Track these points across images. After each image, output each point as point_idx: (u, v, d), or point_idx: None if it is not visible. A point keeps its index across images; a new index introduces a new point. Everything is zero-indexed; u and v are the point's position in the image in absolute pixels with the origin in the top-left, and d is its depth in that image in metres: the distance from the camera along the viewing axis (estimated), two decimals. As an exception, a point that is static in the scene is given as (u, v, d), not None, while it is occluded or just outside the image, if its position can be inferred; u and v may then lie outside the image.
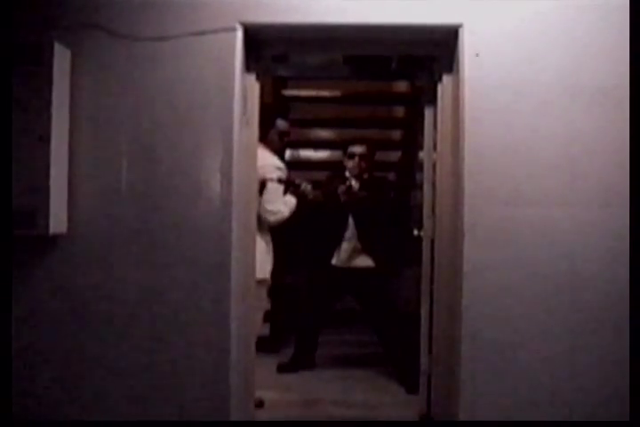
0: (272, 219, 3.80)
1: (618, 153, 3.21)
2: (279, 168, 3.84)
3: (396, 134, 6.70)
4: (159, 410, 3.32)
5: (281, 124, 4.00)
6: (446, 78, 3.52)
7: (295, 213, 3.97)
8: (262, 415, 3.70)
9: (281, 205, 3.83)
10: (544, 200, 3.28)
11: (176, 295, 3.31)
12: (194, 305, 3.31)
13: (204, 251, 3.30)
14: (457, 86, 3.41)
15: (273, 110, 4.20)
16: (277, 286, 4.61)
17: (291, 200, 3.93)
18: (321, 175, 5.01)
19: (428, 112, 3.69)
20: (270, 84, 5.61)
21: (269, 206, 3.77)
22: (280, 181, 3.80)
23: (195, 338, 3.32)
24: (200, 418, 3.30)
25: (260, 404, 3.89)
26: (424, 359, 3.67)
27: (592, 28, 3.28)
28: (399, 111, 6.65)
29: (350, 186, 4.55)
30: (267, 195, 3.76)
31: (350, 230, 4.56)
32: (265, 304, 4.09)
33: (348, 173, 4.64)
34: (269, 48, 3.57)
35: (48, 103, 3.12)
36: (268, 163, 3.80)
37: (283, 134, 4.03)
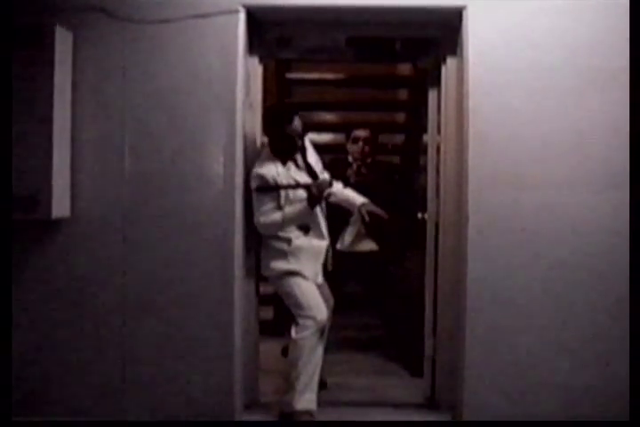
0: (260, 231, 3.48)
1: (622, 135, 3.19)
2: (258, 176, 3.38)
3: (400, 117, 6.67)
4: (163, 393, 3.34)
5: (295, 124, 3.44)
6: (450, 61, 3.51)
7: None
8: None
9: (259, 216, 3.40)
10: (548, 183, 3.27)
11: (180, 280, 3.32)
12: (198, 289, 3.32)
13: (207, 235, 3.31)
14: (461, 69, 3.40)
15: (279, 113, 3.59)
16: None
17: (288, 210, 3.41)
18: (325, 159, 4.98)
19: (431, 95, 3.67)
20: (273, 67, 5.58)
21: (254, 220, 3.44)
22: (260, 189, 3.38)
23: (199, 322, 3.33)
24: (205, 401, 3.32)
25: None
26: (428, 343, 3.68)
27: (597, 10, 3.26)
28: (403, 94, 6.61)
29: (360, 167, 4.54)
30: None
31: (355, 215, 4.54)
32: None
33: (350, 158, 4.61)
34: (272, 30, 3.57)
35: (50, 86, 3.12)
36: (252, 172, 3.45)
37: (299, 136, 3.48)
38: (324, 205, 3.62)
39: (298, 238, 3.48)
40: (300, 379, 3.39)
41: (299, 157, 3.57)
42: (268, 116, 3.57)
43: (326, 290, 3.69)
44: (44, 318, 3.34)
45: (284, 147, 3.48)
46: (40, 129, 3.13)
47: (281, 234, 3.47)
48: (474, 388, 3.32)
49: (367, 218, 3.68)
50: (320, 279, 3.61)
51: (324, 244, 3.62)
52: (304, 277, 3.48)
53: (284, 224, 3.41)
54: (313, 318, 3.40)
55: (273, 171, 3.42)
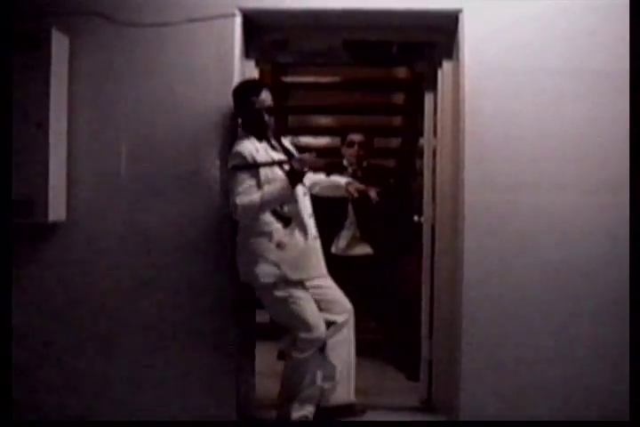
0: (235, 217, 3.14)
1: (620, 137, 3.20)
2: (236, 153, 3.12)
3: (397, 121, 6.68)
4: (158, 397, 3.35)
5: (262, 98, 3.21)
6: (446, 64, 3.51)
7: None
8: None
9: (234, 197, 3.06)
10: (545, 186, 3.28)
11: (176, 283, 3.32)
12: (194, 293, 3.31)
13: (204, 238, 3.30)
14: (457, 72, 3.41)
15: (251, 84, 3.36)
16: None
17: (266, 189, 3.08)
18: (321, 162, 4.97)
19: (428, 98, 3.68)
20: (270, 71, 5.59)
21: (230, 203, 3.12)
22: (237, 167, 3.08)
23: (195, 325, 3.32)
24: (201, 405, 3.32)
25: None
26: (425, 346, 3.68)
27: (594, 13, 3.27)
28: (399, 97, 6.61)
29: (356, 171, 4.54)
30: None
31: (350, 218, 4.54)
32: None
33: (345, 162, 4.61)
34: (269, 34, 3.57)
35: (46, 90, 3.12)
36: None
37: (269, 108, 3.25)
38: (309, 200, 3.37)
39: (278, 232, 3.15)
40: (303, 393, 3.28)
41: (273, 140, 3.33)
42: (235, 93, 3.27)
43: (337, 291, 3.42)
44: (41, 321, 3.33)
45: (255, 123, 3.24)
46: (36, 133, 3.12)
47: (263, 228, 3.14)
48: (470, 391, 3.32)
49: (356, 195, 3.41)
50: (324, 271, 3.35)
51: (310, 240, 3.26)
52: (299, 285, 3.20)
53: (262, 206, 3.06)
54: (313, 341, 3.21)
55: (251, 147, 3.15)
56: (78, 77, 3.31)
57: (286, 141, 3.47)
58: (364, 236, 4.56)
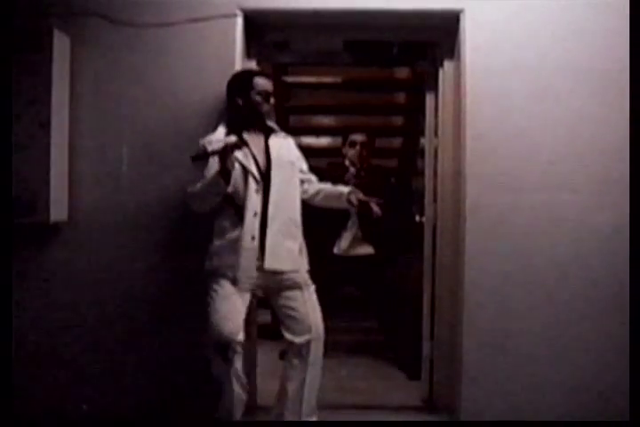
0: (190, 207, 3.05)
1: (620, 137, 3.20)
2: (200, 144, 3.03)
3: (398, 121, 6.68)
4: (159, 397, 3.36)
5: (259, 82, 3.08)
6: (447, 64, 3.51)
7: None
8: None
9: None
10: (546, 186, 3.28)
11: (177, 284, 3.32)
12: (195, 293, 3.31)
13: (205, 239, 3.30)
14: (458, 72, 3.41)
15: (246, 73, 3.21)
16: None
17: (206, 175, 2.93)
18: (322, 162, 4.98)
19: (429, 98, 3.68)
20: (270, 71, 5.59)
21: None
22: (195, 157, 2.91)
23: (197, 326, 3.32)
24: (201, 404, 3.32)
25: None
26: (426, 345, 3.68)
27: (594, 13, 3.27)
28: (400, 97, 6.62)
29: (359, 171, 4.54)
30: None
31: (352, 219, 4.54)
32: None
33: (347, 162, 4.61)
34: (270, 34, 3.56)
35: (48, 90, 3.12)
36: None
37: (266, 95, 3.09)
38: (298, 203, 3.19)
39: (226, 229, 3.02)
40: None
41: (257, 137, 3.12)
42: (229, 83, 3.13)
43: (306, 309, 3.13)
44: (42, 321, 3.34)
45: (248, 112, 3.09)
46: (37, 133, 3.13)
47: (219, 224, 3.05)
48: (472, 391, 3.32)
49: (356, 203, 3.13)
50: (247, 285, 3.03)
51: (246, 242, 2.97)
52: (227, 279, 2.99)
53: (199, 195, 2.94)
54: (215, 345, 2.96)
55: (208, 138, 3.04)
56: (80, 77, 3.32)
57: (278, 138, 3.20)
58: (365, 236, 4.56)
